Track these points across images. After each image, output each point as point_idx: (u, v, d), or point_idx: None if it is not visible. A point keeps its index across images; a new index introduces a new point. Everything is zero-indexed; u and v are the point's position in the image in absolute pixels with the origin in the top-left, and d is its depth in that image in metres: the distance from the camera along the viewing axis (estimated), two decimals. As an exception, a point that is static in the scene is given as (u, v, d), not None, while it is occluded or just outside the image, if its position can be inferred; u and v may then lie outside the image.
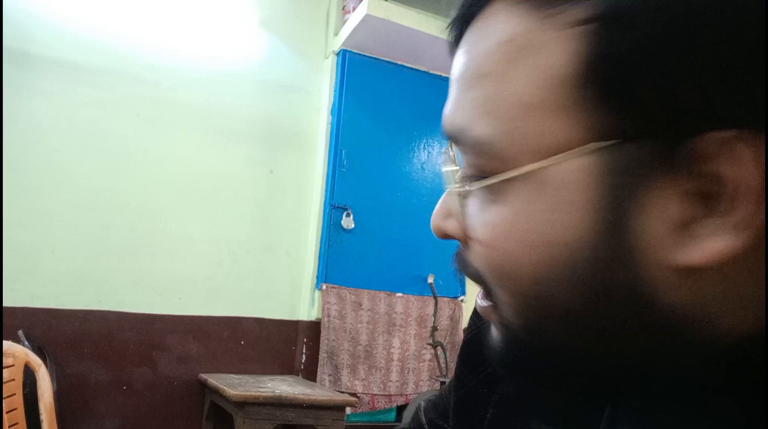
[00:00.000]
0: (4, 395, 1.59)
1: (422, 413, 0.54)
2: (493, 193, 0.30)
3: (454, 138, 0.32)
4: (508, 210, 0.29)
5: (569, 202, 0.27)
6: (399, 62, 3.07)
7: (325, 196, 2.89)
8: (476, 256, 0.31)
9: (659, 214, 0.26)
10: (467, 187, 0.32)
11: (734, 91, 0.23)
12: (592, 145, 0.26)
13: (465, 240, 0.33)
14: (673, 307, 0.27)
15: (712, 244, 0.25)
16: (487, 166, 0.30)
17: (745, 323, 0.27)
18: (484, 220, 0.31)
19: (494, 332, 0.33)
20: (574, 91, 0.27)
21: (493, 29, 0.30)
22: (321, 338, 2.75)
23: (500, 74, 0.29)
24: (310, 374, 2.75)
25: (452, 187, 0.33)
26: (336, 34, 3.03)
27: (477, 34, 0.31)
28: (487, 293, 0.32)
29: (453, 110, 0.32)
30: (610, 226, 0.26)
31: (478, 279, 0.32)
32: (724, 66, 0.23)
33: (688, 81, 0.24)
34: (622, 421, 0.32)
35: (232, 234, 2.77)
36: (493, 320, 0.33)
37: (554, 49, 0.27)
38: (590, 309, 0.28)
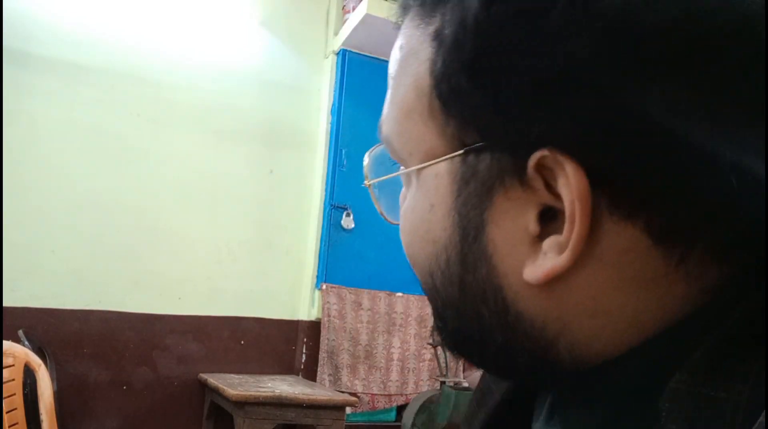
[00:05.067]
0: (4, 395, 1.59)
1: None
2: (406, 187, 0.33)
3: (378, 133, 0.35)
4: (408, 205, 0.32)
5: (433, 205, 0.29)
6: (399, 62, 3.06)
7: (325, 195, 2.88)
8: (401, 239, 0.34)
9: (513, 226, 0.27)
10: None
11: (560, 114, 0.24)
12: (447, 155, 0.28)
13: None
14: (531, 317, 0.27)
15: (544, 262, 0.26)
16: (398, 163, 0.33)
17: (612, 347, 0.27)
18: (401, 210, 0.34)
19: None
20: (430, 102, 0.29)
21: (402, 34, 0.32)
22: (321, 338, 2.75)
23: (395, 78, 0.32)
24: (310, 374, 2.75)
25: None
26: (336, 33, 3.03)
27: (397, 40, 0.33)
28: None
29: (383, 110, 0.35)
30: (465, 231, 0.28)
31: None
32: (549, 91, 0.24)
33: (513, 101, 0.25)
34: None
35: (232, 234, 2.77)
36: None
37: (422, 59, 0.29)
38: (465, 305, 0.30)
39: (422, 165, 0.30)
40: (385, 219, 0.37)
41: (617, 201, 0.25)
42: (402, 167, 0.33)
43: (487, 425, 0.39)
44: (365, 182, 0.37)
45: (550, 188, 0.25)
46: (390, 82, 0.33)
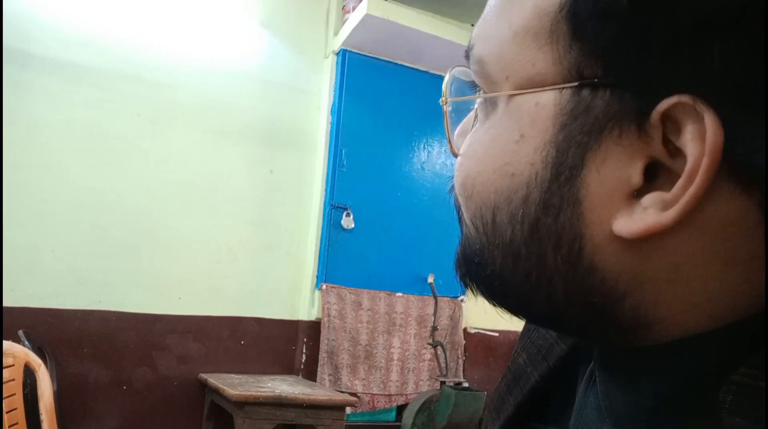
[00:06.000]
0: (4, 395, 1.59)
1: None
2: (484, 113, 0.30)
3: (466, 54, 0.32)
4: (487, 132, 0.29)
5: (524, 136, 0.27)
6: (399, 62, 3.06)
7: (325, 196, 2.88)
8: (456, 170, 0.32)
9: (614, 174, 0.25)
10: (472, 106, 0.32)
11: (714, 61, 0.22)
12: (558, 84, 0.26)
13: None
14: (604, 272, 0.26)
15: (644, 217, 0.24)
16: (483, 87, 0.30)
17: (676, 318, 0.25)
18: (471, 137, 0.31)
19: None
20: (553, 24, 0.26)
21: None
22: (321, 338, 2.75)
23: None
24: (310, 374, 2.75)
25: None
26: (336, 33, 3.03)
27: None
28: (459, 208, 0.33)
29: (476, 28, 0.31)
30: (559, 170, 0.26)
31: (455, 193, 0.33)
32: (711, 32, 0.22)
33: (669, 36, 0.22)
34: (594, 386, 0.31)
35: (232, 234, 2.77)
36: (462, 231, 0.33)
37: None
38: (530, 248, 0.27)
39: (523, 91, 0.27)
40: (450, 145, 0.34)
41: (743, 167, 0.23)
42: (484, 92, 0.30)
43: (522, 406, 0.38)
44: (442, 99, 0.33)
45: (666, 142, 0.24)
46: (495, 1, 0.30)
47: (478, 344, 3.08)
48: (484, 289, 0.31)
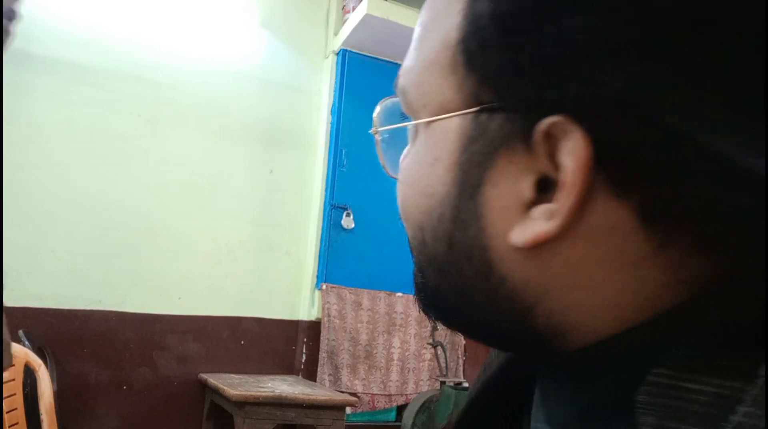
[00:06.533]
0: (4, 395, 1.59)
1: None
2: (410, 139, 0.34)
3: (395, 86, 0.35)
4: (411, 158, 0.33)
5: (437, 159, 0.30)
6: (399, 62, 3.03)
7: (325, 196, 2.89)
8: (397, 197, 0.34)
9: (509, 189, 0.27)
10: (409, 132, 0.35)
11: (578, 84, 0.24)
12: (460, 110, 0.28)
13: None
14: (513, 280, 0.28)
15: (532, 227, 0.26)
16: (409, 115, 0.33)
17: (588, 321, 0.27)
18: (403, 163, 0.34)
19: None
20: (453, 56, 0.28)
21: None
22: (321, 338, 2.75)
23: (423, 29, 0.32)
24: (310, 374, 2.75)
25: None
26: (336, 33, 3.03)
27: None
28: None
29: (403, 62, 0.35)
30: (463, 188, 0.28)
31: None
32: (574, 57, 0.24)
33: (539, 63, 0.25)
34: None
35: (232, 234, 2.77)
36: None
37: (454, 11, 0.29)
38: (450, 262, 0.30)
39: (434, 118, 0.30)
40: (386, 171, 0.37)
41: (615, 177, 0.25)
42: (412, 120, 0.33)
43: (477, 397, 0.39)
44: (372, 130, 0.38)
45: (552, 158, 0.26)
46: (416, 32, 0.33)
47: (478, 344, 3.07)
48: (433, 310, 0.34)
